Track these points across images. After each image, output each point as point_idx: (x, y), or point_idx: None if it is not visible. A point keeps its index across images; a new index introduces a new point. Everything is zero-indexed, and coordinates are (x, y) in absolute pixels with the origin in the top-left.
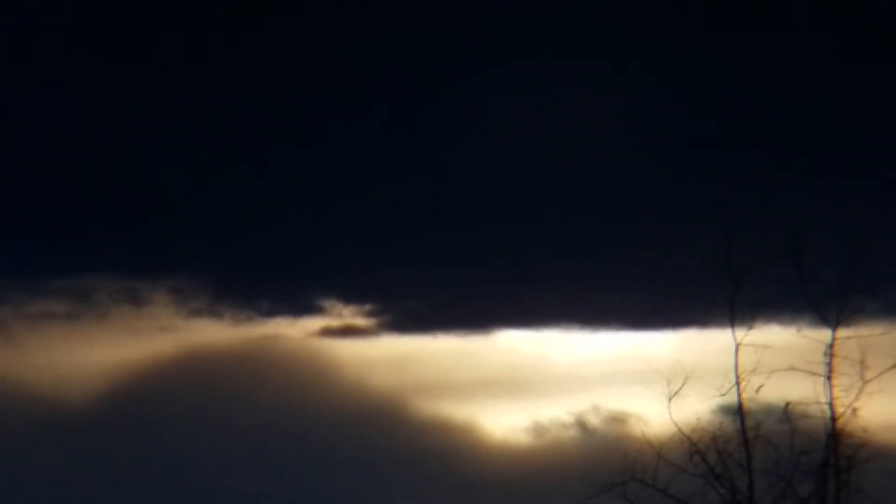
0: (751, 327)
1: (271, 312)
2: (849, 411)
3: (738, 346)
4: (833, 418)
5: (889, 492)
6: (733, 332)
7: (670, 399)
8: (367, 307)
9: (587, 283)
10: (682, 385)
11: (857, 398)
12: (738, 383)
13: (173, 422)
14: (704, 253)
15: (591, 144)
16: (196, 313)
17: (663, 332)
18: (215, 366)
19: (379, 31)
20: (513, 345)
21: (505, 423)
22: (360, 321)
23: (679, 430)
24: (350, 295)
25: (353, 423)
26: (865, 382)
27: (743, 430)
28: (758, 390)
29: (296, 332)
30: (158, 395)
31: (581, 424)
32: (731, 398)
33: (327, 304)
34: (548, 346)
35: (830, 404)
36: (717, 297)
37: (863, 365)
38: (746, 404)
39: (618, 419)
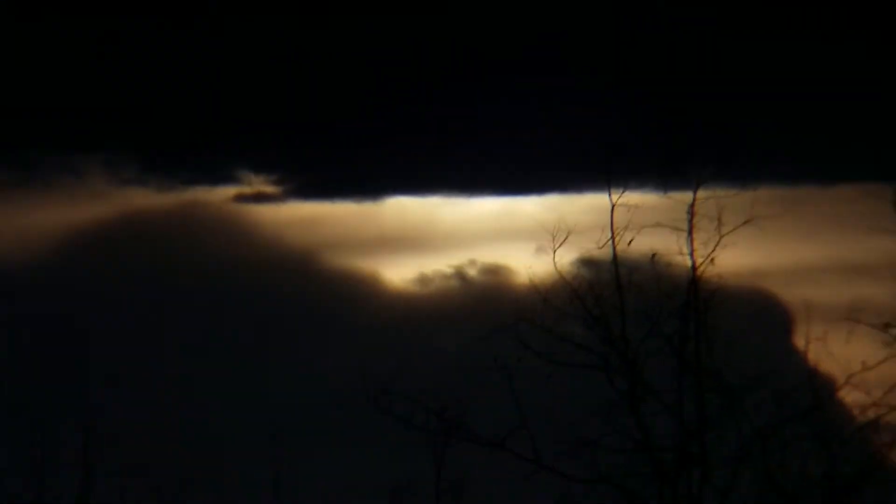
0: (624, 189)
1: (191, 181)
2: (707, 261)
3: (613, 205)
4: (693, 267)
5: (738, 327)
6: (609, 193)
7: (554, 251)
8: (274, 176)
9: (467, 154)
10: (565, 239)
11: (713, 250)
12: (612, 238)
13: (114, 276)
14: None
15: (475, 24)
16: (126, 182)
17: (544, 195)
18: (147, 228)
19: None
20: (401, 209)
21: (399, 274)
22: (269, 188)
23: (561, 277)
24: (259, 165)
25: (270, 277)
26: (721, 237)
27: (617, 277)
28: (629, 243)
29: (213, 198)
30: (100, 253)
31: (461, 276)
32: (607, 251)
33: (240, 173)
34: (432, 210)
35: (691, 255)
36: (595, 164)
37: (719, 222)
38: (620, 255)
39: (492, 271)
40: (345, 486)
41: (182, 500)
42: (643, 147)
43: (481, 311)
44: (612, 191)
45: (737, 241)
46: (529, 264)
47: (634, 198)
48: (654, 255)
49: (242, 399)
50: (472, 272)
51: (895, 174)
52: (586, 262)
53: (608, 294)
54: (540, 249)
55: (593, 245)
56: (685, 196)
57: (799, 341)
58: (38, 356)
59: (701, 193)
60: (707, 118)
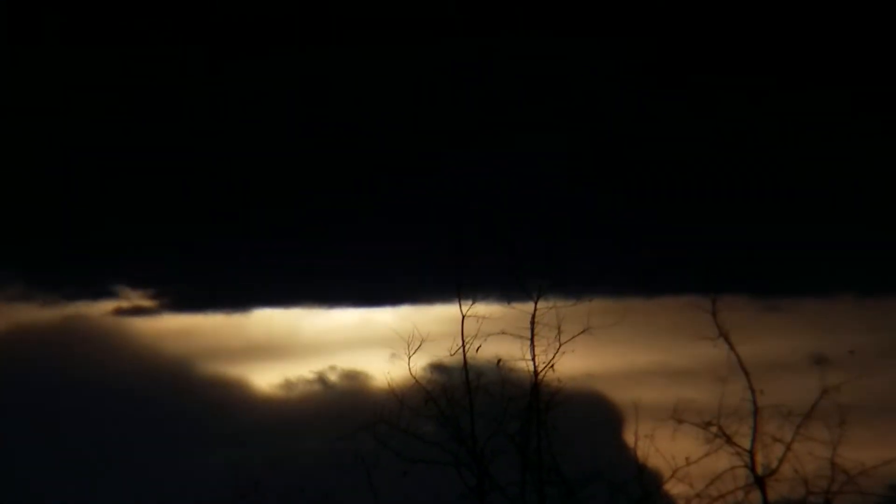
0: (473, 301)
1: (73, 297)
2: (548, 366)
3: (463, 316)
4: (535, 372)
5: (575, 426)
6: (460, 304)
7: (409, 357)
8: (151, 290)
9: (325, 268)
10: (419, 346)
11: (554, 356)
12: (463, 345)
13: (2, 386)
14: (433, 242)
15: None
16: (12, 299)
17: (398, 306)
18: (33, 341)
19: None
20: (267, 320)
21: (266, 380)
22: (146, 302)
23: (416, 381)
24: (136, 281)
25: (147, 384)
26: (560, 344)
27: (467, 381)
28: (477, 350)
29: (94, 312)
30: None
31: (323, 381)
32: (458, 357)
33: (118, 288)
34: (295, 321)
35: (533, 360)
36: (444, 278)
37: (559, 331)
38: (469, 361)
39: (351, 376)
40: None
41: None
42: (488, 262)
43: (342, 413)
44: (462, 302)
45: (574, 348)
46: (386, 369)
47: (482, 308)
48: (499, 361)
49: (124, 496)
50: (332, 377)
51: (710, 287)
52: (438, 368)
53: (459, 396)
54: (394, 356)
55: (444, 352)
56: (527, 307)
57: (629, 438)
58: None
59: (541, 304)
60: (545, 236)
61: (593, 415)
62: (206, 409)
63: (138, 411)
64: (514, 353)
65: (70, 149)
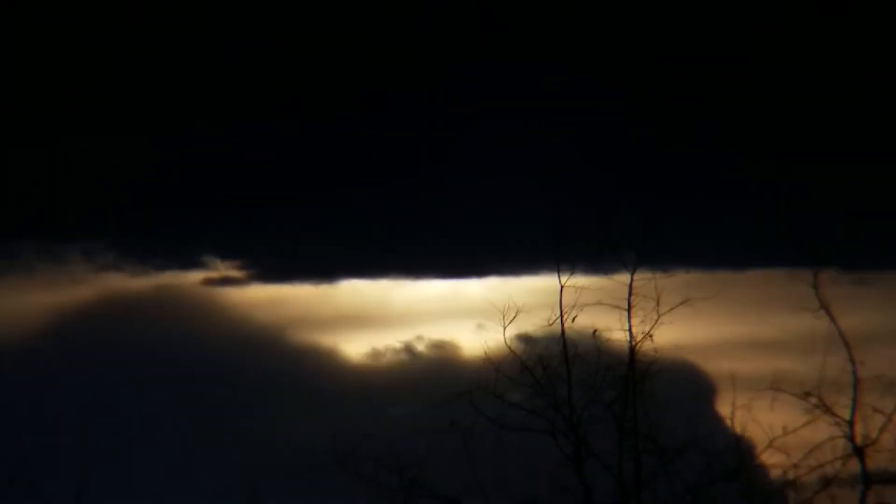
0: (572, 273)
1: (162, 267)
2: (646, 336)
3: (562, 287)
4: (632, 341)
5: (671, 396)
6: (559, 274)
7: (505, 327)
8: (239, 262)
9: (413, 240)
10: (515, 316)
11: (652, 327)
12: (561, 314)
13: (95, 353)
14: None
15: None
16: (103, 268)
17: (484, 278)
18: (124, 310)
19: None
20: (354, 291)
21: (355, 350)
22: (234, 273)
23: (511, 351)
24: (225, 252)
25: (241, 352)
26: (659, 315)
27: (564, 350)
28: (573, 320)
29: (183, 282)
30: (82, 333)
31: (411, 350)
32: (547, 329)
33: (207, 259)
34: (383, 291)
35: (630, 331)
36: (533, 250)
37: (658, 300)
38: (567, 331)
39: (438, 346)
40: None
41: None
42: (584, 233)
43: (429, 383)
44: (560, 272)
45: (672, 320)
46: (474, 340)
47: (579, 279)
48: (595, 331)
49: (218, 466)
50: (420, 347)
51: (802, 261)
52: (527, 339)
53: (554, 365)
54: (481, 327)
55: (532, 323)
56: (623, 278)
57: (725, 409)
58: (26, 425)
59: (637, 276)
60: (642, 207)
61: (689, 385)
62: (299, 376)
63: (232, 379)
64: (609, 325)
65: (162, 123)
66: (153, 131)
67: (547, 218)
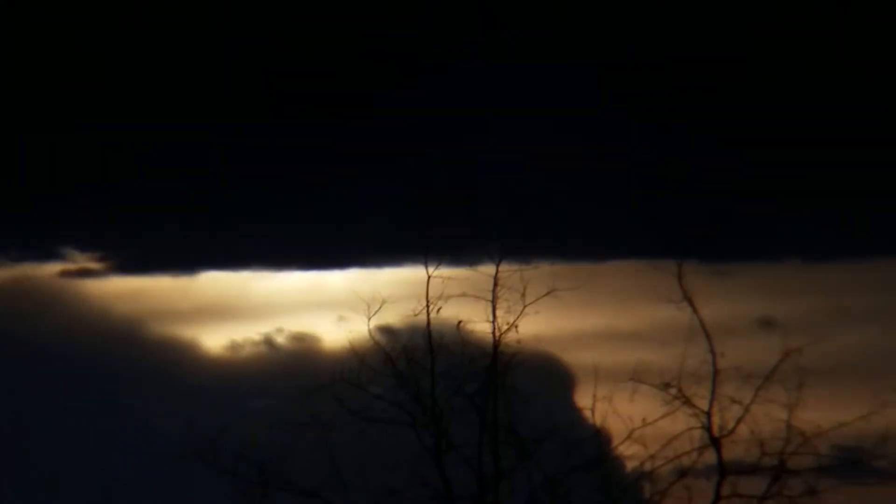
0: (438, 264)
1: (20, 258)
2: (509, 329)
3: (429, 276)
4: (495, 333)
5: (535, 387)
6: (426, 266)
7: (369, 318)
8: (97, 253)
9: (273, 231)
10: (380, 307)
11: (516, 319)
12: (427, 305)
13: None
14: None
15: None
16: None
17: (345, 270)
18: None
19: None
20: (214, 282)
21: (214, 342)
22: (93, 265)
23: (375, 342)
24: (83, 243)
25: (97, 345)
26: (525, 306)
27: (429, 341)
28: (438, 311)
29: (41, 273)
30: None
31: (270, 343)
32: (410, 320)
33: (65, 250)
34: (243, 283)
35: (494, 322)
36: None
37: (523, 291)
38: (432, 322)
39: (299, 338)
40: None
41: None
42: (449, 225)
43: (293, 374)
44: (427, 263)
45: (537, 310)
46: (339, 331)
47: (445, 271)
48: (459, 322)
49: (76, 457)
50: (280, 339)
51: (664, 252)
52: (390, 331)
53: (418, 357)
54: (342, 319)
55: (394, 315)
56: (488, 270)
57: (586, 400)
58: None
59: (503, 267)
60: (506, 200)
61: (551, 377)
62: (158, 368)
63: (89, 371)
64: (474, 316)
65: (18, 113)
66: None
67: (411, 209)
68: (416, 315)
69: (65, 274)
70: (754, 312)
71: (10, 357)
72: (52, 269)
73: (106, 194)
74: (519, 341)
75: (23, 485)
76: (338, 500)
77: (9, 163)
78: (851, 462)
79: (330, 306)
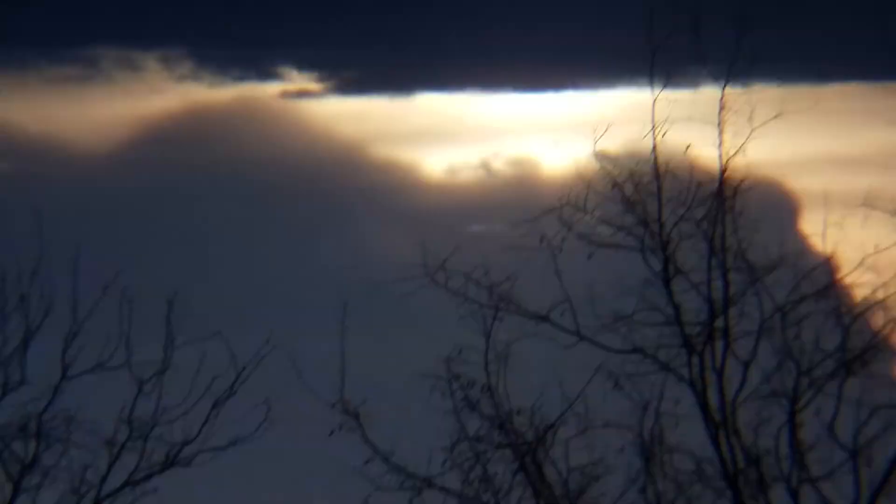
0: (664, 86)
1: (240, 78)
2: (737, 152)
3: (654, 100)
4: (722, 158)
5: (764, 213)
6: (652, 87)
7: (595, 142)
8: (316, 74)
9: (493, 53)
10: (606, 130)
11: (744, 142)
12: (653, 128)
13: (177, 163)
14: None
15: None
16: (182, 78)
17: (559, 91)
18: (205, 120)
19: None
20: (431, 105)
21: (435, 165)
22: (311, 85)
23: (601, 166)
24: (302, 64)
25: (325, 167)
26: (752, 130)
27: (655, 166)
28: (664, 135)
29: (261, 93)
30: (163, 143)
31: (488, 167)
32: (631, 145)
33: (284, 71)
34: (459, 106)
35: (721, 146)
36: (636, 64)
37: (750, 116)
38: (658, 147)
39: (516, 162)
40: (403, 355)
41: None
42: (673, 45)
43: (510, 198)
44: (645, 87)
45: (766, 134)
46: (555, 155)
47: (670, 94)
48: (687, 147)
49: (306, 273)
50: (497, 163)
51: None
52: (607, 156)
53: (644, 182)
54: (557, 143)
55: (614, 139)
56: (715, 92)
57: (810, 227)
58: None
59: (730, 89)
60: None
61: (780, 203)
62: (381, 190)
63: (311, 192)
64: (699, 141)
65: None
66: None
67: (628, 29)
68: (642, 139)
69: (284, 94)
70: None
71: (233, 174)
72: (272, 89)
73: (323, 14)
74: (747, 166)
75: (250, 297)
76: (567, 324)
77: None
78: None
79: (546, 129)
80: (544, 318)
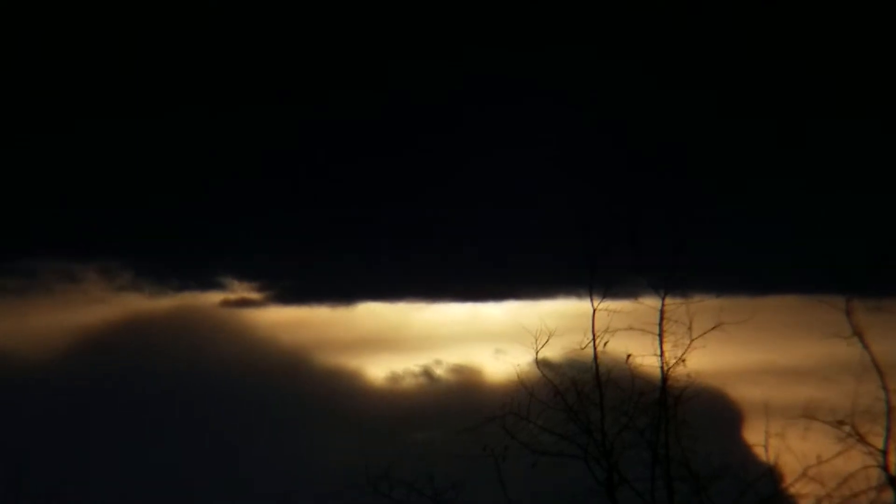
0: (603, 297)
1: (181, 288)
2: (678, 362)
3: (594, 310)
4: (664, 367)
5: (705, 422)
6: (591, 300)
7: (537, 351)
8: (256, 283)
9: (429, 264)
10: (547, 340)
11: (684, 352)
12: (594, 339)
13: (117, 372)
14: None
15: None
16: (121, 288)
17: (501, 302)
18: (145, 329)
19: None
20: (372, 314)
21: (377, 373)
22: (252, 295)
23: (543, 375)
24: (242, 274)
25: (268, 375)
26: (692, 340)
27: (597, 375)
28: (605, 344)
29: (201, 303)
30: (104, 353)
31: (429, 374)
32: (570, 353)
33: (225, 281)
34: (400, 315)
35: (661, 356)
36: (575, 276)
37: (690, 325)
38: (599, 356)
39: (458, 370)
40: None
41: None
42: (614, 259)
43: (452, 407)
44: (585, 297)
45: (704, 344)
46: (497, 364)
47: (609, 304)
48: (628, 356)
49: (239, 489)
50: (439, 371)
51: (832, 287)
52: (549, 364)
53: (587, 391)
54: (499, 352)
55: (556, 348)
56: (654, 303)
57: (755, 436)
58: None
59: (670, 300)
60: (672, 234)
61: (721, 412)
62: (325, 398)
63: (255, 400)
64: (640, 350)
65: (179, 143)
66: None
67: (568, 242)
68: (582, 348)
69: (225, 304)
70: None
71: (172, 383)
72: (213, 298)
73: (264, 226)
74: (688, 375)
75: None
76: None
77: (169, 196)
78: None
79: (487, 339)
80: None
